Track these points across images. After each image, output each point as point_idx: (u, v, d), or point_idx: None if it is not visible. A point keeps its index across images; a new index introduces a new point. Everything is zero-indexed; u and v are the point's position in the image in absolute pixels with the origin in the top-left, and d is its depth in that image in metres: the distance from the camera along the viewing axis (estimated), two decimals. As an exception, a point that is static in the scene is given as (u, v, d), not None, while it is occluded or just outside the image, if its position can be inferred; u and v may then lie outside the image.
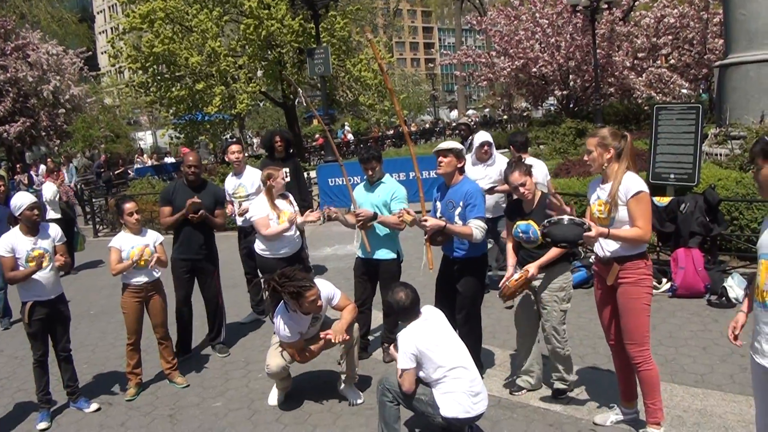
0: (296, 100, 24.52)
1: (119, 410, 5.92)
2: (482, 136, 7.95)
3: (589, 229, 4.10)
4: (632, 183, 4.21)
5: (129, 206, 6.07)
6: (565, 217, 4.22)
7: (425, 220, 5.33)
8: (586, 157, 4.46)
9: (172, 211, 6.83)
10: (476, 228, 5.24)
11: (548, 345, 5.12)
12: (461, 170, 5.53)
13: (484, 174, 7.72)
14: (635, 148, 4.48)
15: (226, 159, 7.95)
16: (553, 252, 4.88)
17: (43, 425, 5.70)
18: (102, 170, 23.71)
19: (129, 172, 25.83)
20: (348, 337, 5.36)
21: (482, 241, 5.45)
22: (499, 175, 7.80)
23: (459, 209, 5.36)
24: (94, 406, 5.98)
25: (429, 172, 12.55)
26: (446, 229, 5.29)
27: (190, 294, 6.98)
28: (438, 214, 5.52)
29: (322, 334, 5.40)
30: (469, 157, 7.64)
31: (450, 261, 5.60)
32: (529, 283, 5.01)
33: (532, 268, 4.90)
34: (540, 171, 7.46)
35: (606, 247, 4.38)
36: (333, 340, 5.30)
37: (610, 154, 4.31)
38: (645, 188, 4.22)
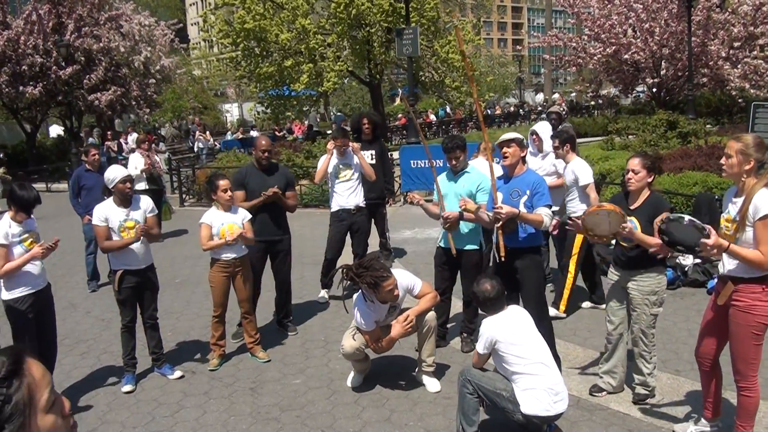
0: (383, 78, 24.54)
1: (202, 379, 6.12)
2: (536, 126, 8.02)
3: (708, 236, 3.87)
4: (763, 203, 3.87)
5: (223, 183, 6.22)
6: (686, 217, 4.05)
7: (500, 208, 5.35)
8: (723, 161, 4.13)
9: (245, 195, 6.84)
10: (546, 215, 5.37)
11: (634, 348, 5.06)
12: (523, 159, 5.63)
13: (538, 165, 7.75)
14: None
15: (328, 148, 8.02)
16: (656, 239, 4.69)
17: (128, 388, 5.93)
18: (204, 145, 24.37)
19: (216, 144, 26.43)
20: (408, 326, 5.41)
21: (541, 231, 5.58)
22: (553, 168, 7.70)
23: (525, 198, 5.44)
24: (177, 373, 6.19)
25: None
26: (519, 216, 5.35)
27: (261, 275, 7.05)
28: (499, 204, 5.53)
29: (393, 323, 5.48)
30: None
31: (511, 251, 5.57)
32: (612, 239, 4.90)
33: (629, 228, 4.69)
34: (572, 173, 7.15)
35: (726, 264, 4.15)
36: (400, 328, 5.39)
37: (750, 165, 3.98)
38: None
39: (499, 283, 4.75)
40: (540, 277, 5.70)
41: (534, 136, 7.83)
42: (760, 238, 3.89)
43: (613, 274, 5.15)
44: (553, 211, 5.57)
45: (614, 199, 5.32)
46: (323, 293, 8.22)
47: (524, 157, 5.63)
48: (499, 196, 5.55)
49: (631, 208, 4.93)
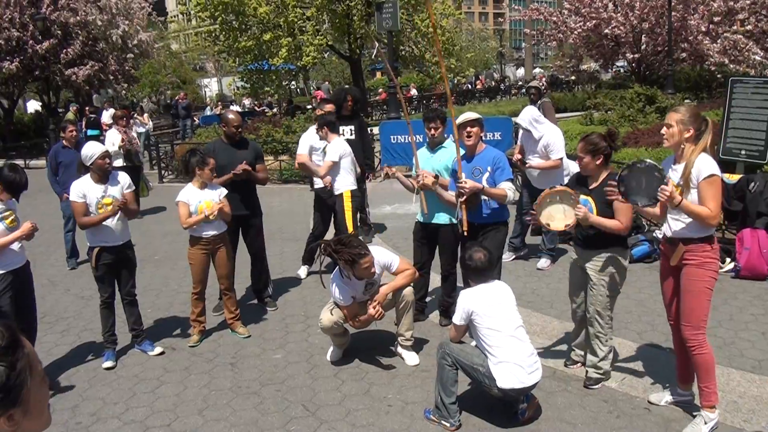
0: (363, 52, 24.39)
1: (182, 355, 6.14)
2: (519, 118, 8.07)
3: (667, 183, 4.05)
4: (705, 165, 4.12)
5: (213, 162, 6.25)
6: (648, 161, 4.20)
7: (464, 183, 5.51)
8: (663, 131, 4.34)
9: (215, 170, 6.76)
10: (509, 189, 5.56)
11: (590, 327, 5.03)
12: (481, 139, 5.86)
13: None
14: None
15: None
16: (613, 223, 4.69)
17: (108, 364, 5.94)
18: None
19: (195, 119, 26.08)
20: (379, 312, 5.45)
21: (507, 206, 5.78)
22: (543, 150, 7.71)
23: (487, 174, 5.59)
24: (158, 349, 6.21)
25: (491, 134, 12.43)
26: (484, 191, 5.52)
27: (235, 250, 7.00)
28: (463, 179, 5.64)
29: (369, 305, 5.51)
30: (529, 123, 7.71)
31: (476, 227, 5.75)
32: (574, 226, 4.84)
33: (587, 215, 4.69)
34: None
35: (673, 227, 4.33)
36: (372, 311, 5.43)
37: (689, 133, 4.20)
38: (718, 171, 4.12)
39: (490, 254, 4.83)
40: (499, 251, 5.87)
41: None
42: (706, 196, 4.11)
43: (573, 253, 5.17)
44: None
45: (572, 178, 5.29)
46: (303, 269, 8.24)
47: (482, 137, 5.86)
48: (463, 174, 5.65)
49: (590, 188, 4.92)
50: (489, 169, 5.61)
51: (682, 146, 4.25)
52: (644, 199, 4.21)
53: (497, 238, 5.83)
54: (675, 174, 4.30)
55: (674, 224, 4.32)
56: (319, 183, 8.00)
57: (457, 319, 4.69)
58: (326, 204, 8.06)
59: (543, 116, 7.99)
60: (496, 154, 5.74)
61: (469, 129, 5.68)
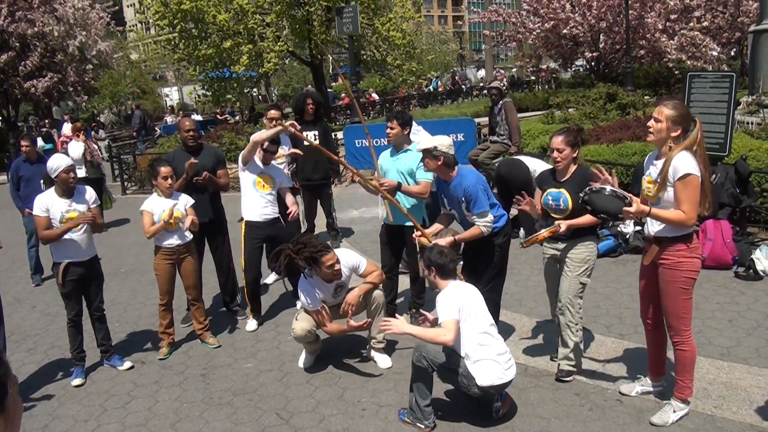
0: (323, 57, 24.39)
1: (152, 369, 6.07)
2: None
3: (630, 204, 4.02)
4: (682, 164, 4.01)
5: (164, 170, 6.13)
6: (608, 188, 4.14)
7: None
8: (650, 123, 4.23)
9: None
10: (483, 226, 5.27)
11: (561, 317, 5.05)
12: (449, 165, 5.38)
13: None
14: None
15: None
16: (588, 218, 4.80)
17: (77, 381, 5.86)
18: (145, 125, 23.66)
19: (156, 129, 25.85)
20: (356, 324, 5.44)
21: (501, 215, 5.48)
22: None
23: (464, 203, 5.37)
24: (127, 364, 6.12)
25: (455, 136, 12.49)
26: (458, 240, 5.37)
27: (201, 259, 6.91)
28: (448, 207, 5.60)
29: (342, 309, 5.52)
30: None
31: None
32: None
33: (563, 225, 4.80)
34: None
35: (649, 226, 4.32)
36: (344, 311, 5.46)
37: (677, 132, 4.12)
38: (695, 171, 4.00)
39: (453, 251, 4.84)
40: (502, 260, 5.57)
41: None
42: (680, 197, 4.06)
43: (548, 249, 5.18)
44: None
45: (541, 176, 5.34)
46: (270, 277, 8.18)
47: (445, 163, 5.33)
48: (446, 200, 5.60)
49: (561, 181, 4.99)
50: (463, 199, 5.34)
51: (670, 144, 4.15)
52: (610, 216, 4.24)
53: (497, 256, 5.48)
54: (655, 169, 4.25)
55: (652, 223, 4.30)
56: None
57: (449, 314, 4.45)
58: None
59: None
60: (466, 185, 5.29)
61: (422, 162, 5.51)
